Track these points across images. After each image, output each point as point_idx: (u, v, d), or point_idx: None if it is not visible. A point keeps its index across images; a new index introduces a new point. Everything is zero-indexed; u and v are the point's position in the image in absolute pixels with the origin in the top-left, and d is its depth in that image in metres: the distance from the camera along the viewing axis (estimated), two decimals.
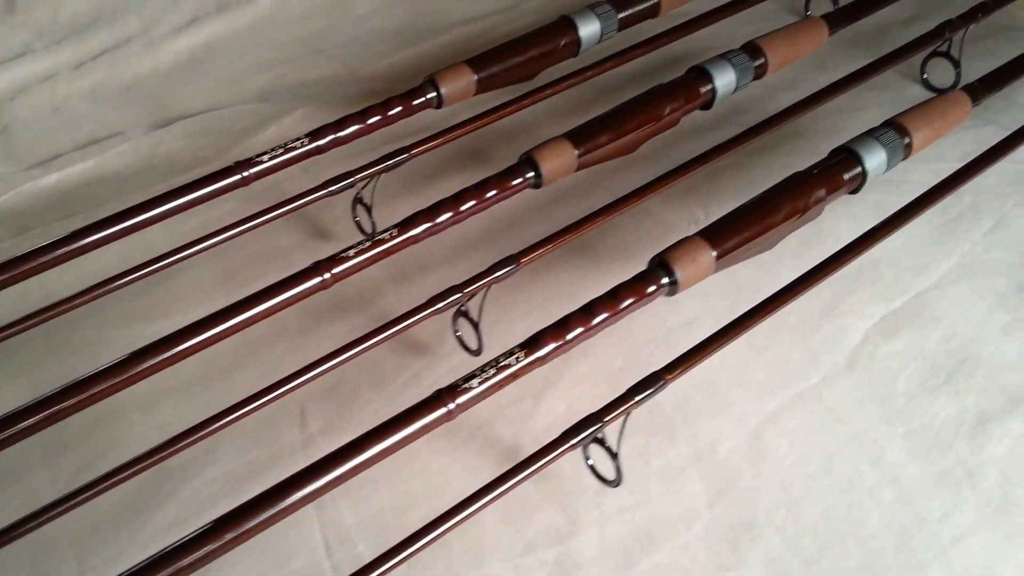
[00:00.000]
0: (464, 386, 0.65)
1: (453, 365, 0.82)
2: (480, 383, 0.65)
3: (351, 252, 0.74)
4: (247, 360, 0.82)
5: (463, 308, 0.77)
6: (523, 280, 0.90)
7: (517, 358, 0.67)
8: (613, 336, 0.85)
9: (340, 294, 0.87)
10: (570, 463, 0.72)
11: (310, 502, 0.60)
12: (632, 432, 0.78)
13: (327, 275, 0.73)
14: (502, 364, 0.66)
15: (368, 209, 0.87)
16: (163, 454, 0.66)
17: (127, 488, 0.70)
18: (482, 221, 0.94)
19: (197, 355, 0.77)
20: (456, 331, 0.80)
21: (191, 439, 0.67)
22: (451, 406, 0.64)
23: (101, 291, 0.76)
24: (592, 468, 0.71)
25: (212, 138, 1.01)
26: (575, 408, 0.79)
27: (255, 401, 0.68)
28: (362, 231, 0.89)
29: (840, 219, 0.94)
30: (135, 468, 0.65)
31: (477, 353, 0.80)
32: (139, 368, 0.67)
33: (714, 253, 0.74)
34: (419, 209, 0.78)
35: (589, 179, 0.98)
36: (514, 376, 0.67)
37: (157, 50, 1.10)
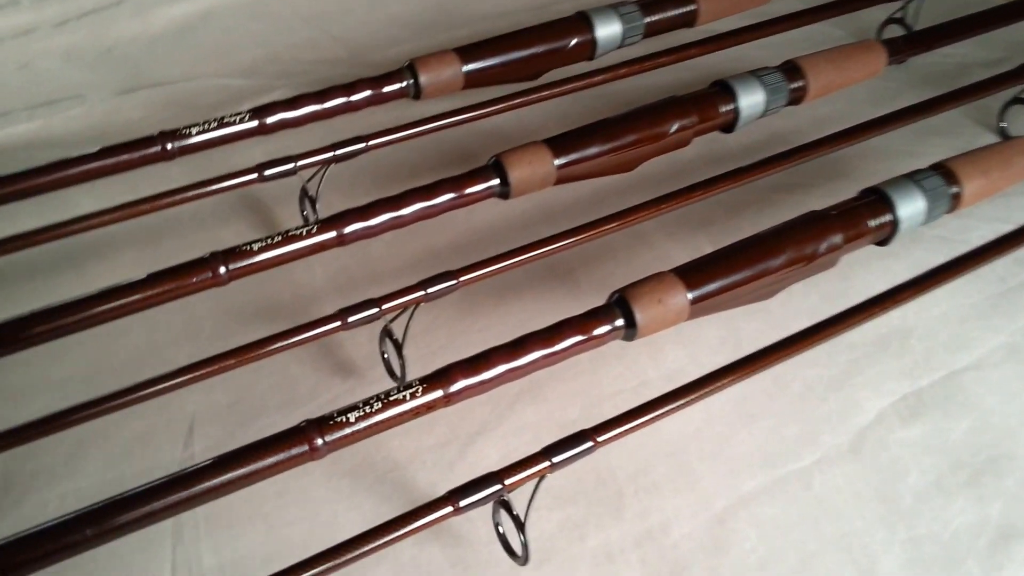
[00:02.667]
0: (338, 420, 0.53)
1: (377, 392, 0.71)
2: (359, 418, 0.53)
3: (255, 247, 0.63)
4: (147, 360, 0.72)
5: (389, 327, 0.65)
6: (487, 303, 0.78)
7: (413, 393, 0.55)
8: (575, 380, 0.73)
9: (273, 297, 0.77)
10: (488, 527, 0.60)
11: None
12: (572, 498, 0.66)
13: (223, 269, 0.62)
14: (393, 398, 0.54)
15: (313, 203, 0.76)
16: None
17: None
18: (456, 232, 0.83)
19: (89, 348, 0.68)
20: (383, 352, 0.69)
21: (34, 431, 0.57)
22: (318, 442, 0.52)
23: (8, 247, 0.67)
24: (502, 537, 0.58)
25: (175, 110, 0.92)
26: (509, 461, 0.66)
27: (122, 397, 0.58)
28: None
29: (874, 275, 0.79)
30: None
31: (400, 381, 0.68)
32: None
33: (689, 296, 0.61)
34: (351, 207, 0.67)
35: (596, 197, 0.86)
36: (408, 415, 0.55)
37: (149, 14, 1.02)
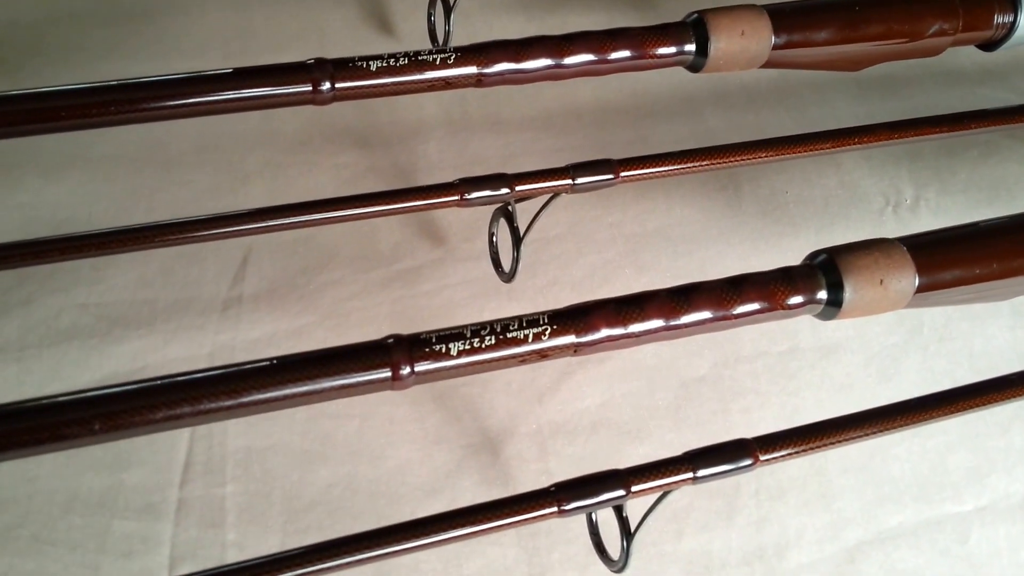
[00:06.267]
0: (436, 347, 0.39)
1: (470, 276, 0.57)
2: (461, 352, 0.39)
3: (373, 66, 0.47)
4: (206, 159, 0.58)
5: (511, 207, 0.50)
6: (626, 194, 0.62)
7: (539, 334, 0.40)
8: None
9: (369, 119, 0.62)
10: None
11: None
12: None
13: (326, 86, 0.46)
14: (510, 335, 0.40)
15: (448, 11, 0.59)
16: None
17: None
18: (605, 89, 0.66)
19: (141, 132, 0.54)
20: (492, 234, 0.54)
21: (56, 250, 0.44)
22: (405, 370, 0.38)
23: None
24: (594, 532, 0.45)
25: None
26: (609, 413, 0.54)
27: (171, 234, 0.45)
28: (433, 43, 0.62)
29: None
30: None
31: (507, 278, 0.53)
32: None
33: (916, 281, 0.45)
34: (504, 39, 0.50)
35: (782, 86, 0.69)
36: (522, 358, 0.40)
37: None
